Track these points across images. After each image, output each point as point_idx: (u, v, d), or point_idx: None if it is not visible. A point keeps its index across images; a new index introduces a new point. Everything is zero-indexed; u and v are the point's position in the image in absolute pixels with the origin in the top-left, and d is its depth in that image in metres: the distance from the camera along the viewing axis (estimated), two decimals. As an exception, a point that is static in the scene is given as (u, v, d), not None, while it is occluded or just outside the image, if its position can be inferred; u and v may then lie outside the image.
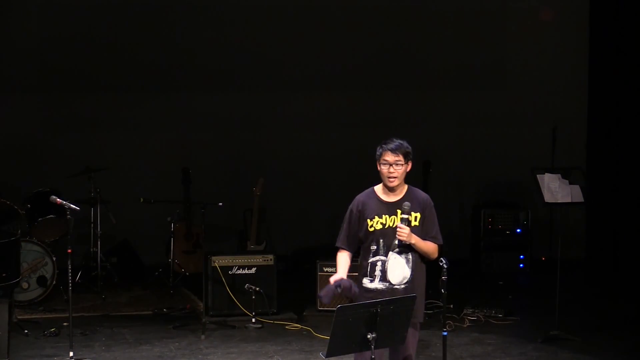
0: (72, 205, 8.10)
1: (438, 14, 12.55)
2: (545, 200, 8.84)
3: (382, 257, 5.99)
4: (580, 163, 10.87)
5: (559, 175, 8.88)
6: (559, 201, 8.88)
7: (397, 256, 5.98)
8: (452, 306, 9.36)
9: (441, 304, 6.08)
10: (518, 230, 11.98)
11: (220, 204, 9.85)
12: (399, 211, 5.99)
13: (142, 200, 10.47)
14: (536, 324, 9.25)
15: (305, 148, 12.32)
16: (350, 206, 6.14)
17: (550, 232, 11.87)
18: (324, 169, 12.21)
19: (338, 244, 6.17)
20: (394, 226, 5.97)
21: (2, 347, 7.79)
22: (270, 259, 9.78)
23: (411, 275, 6.00)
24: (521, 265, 11.98)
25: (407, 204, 5.97)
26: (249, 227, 10.76)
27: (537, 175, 8.86)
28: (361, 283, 6.03)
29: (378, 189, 6.12)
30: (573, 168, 9.25)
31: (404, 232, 5.92)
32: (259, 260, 9.76)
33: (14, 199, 9.88)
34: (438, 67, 12.59)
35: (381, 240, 6.00)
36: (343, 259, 6.13)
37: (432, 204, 6.14)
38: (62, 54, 11.95)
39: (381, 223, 6.01)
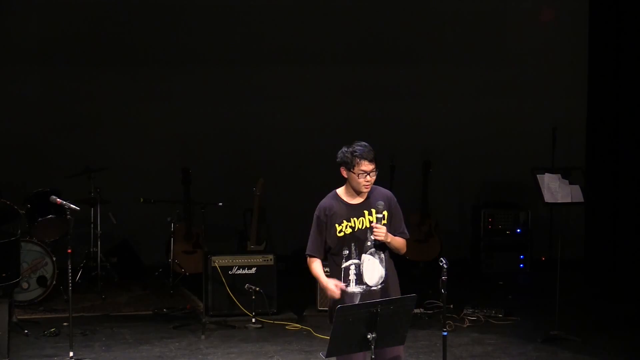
0: (72, 205, 8.10)
1: (438, 12, 12.55)
2: (545, 200, 8.84)
3: (356, 261, 5.93)
4: (580, 163, 10.86)
5: (559, 175, 8.88)
6: (559, 201, 8.88)
7: (371, 257, 5.93)
8: (452, 306, 9.36)
9: (441, 304, 6.07)
10: (518, 230, 11.98)
11: (220, 204, 9.85)
12: (373, 210, 5.93)
13: (142, 200, 10.47)
14: (536, 324, 9.25)
15: (305, 148, 12.31)
16: (317, 213, 6.03)
17: (550, 232, 11.88)
18: (324, 168, 12.14)
19: (308, 252, 6.09)
20: (364, 228, 5.93)
21: (2, 347, 7.80)
22: (270, 259, 9.78)
23: (385, 274, 5.97)
24: (521, 265, 11.97)
25: (380, 202, 5.91)
26: (249, 227, 10.77)
27: (537, 175, 8.86)
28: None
29: (341, 192, 6.05)
30: (573, 168, 9.25)
31: (381, 232, 5.86)
32: (259, 260, 9.76)
33: (14, 199, 9.88)
34: (438, 65, 12.59)
35: (353, 244, 5.94)
36: (319, 267, 6.07)
37: (396, 199, 6.07)
38: (61, 53, 11.95)
39: (350, 227, 5.94)
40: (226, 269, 9.63)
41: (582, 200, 8.96)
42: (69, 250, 8.05)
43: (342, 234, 5.94)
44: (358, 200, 5.99)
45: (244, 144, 12.31)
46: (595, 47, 11.23)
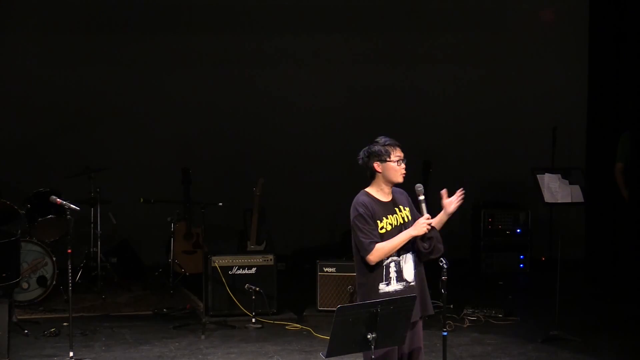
0: (72, 205, 8.10)
1: (438, 13, 12.54)
2: (545, 200, 8.84)
3: (395, 257, 5.90)
4: (580, 163, 10.87)
5: (559, 175, 8.88)
6: (559, 201, 8.88)
7: (408, 254, 5.94)
8: (452, 306, 9.37)
9: (441, 304, 6.07)
10: (518, 230, 11.98)
11: (220, 204, 9.85)
12: (401, 207, 5.99)
13: (142, 200, 10.47)
14: (536, 324, 9.25)
15: (306, 148, 12.32)
16: (360, 210, 5.87)
17: (550, 232, 11.87)
18: (325, 168, 12.21)
19: (372, 241, 5.81)
20: (398, 225, 5.93)
21: (2, 347, 7.80)
22: (270, 259, 9.78)
23: (418, 270, 5.99)
24: (521, 265, 11.98)
25: (419, 185, 5.98)
26: (249, 227, 10.77)
27: (537, 175, 8.86)
28: (377, 290, 5.87)
29: (372, 190, 6.01)
30: (573, 168, 9.24)
31: (430, 221, 5.88)
32: (259, 260, 9.76)
33: (14, 199, 9.88)
34: (437, 66, 12.59)
35: None
36: (387, 240, 5.89)
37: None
38: (61, 53, 11.95)
39: (389, 223, 5.94)
40: (226, 269, 9.63)
41: (582, 200, 8.96)
42: (69, 250, 8.05)
43: (383, 230, 5.90)
44: (387, 198, 6.01)
45: (244, 144, 12.31)
46: (595, 47, 11.24)
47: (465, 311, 9.57)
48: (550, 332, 8.77)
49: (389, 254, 5.85)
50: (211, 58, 12.28)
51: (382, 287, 5.89)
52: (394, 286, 5.90)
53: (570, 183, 8.88)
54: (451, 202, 6.01)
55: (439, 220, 6.00)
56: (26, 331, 8.89)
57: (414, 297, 5.73)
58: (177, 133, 12.23)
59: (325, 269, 9.64)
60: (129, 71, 12.12)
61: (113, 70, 12.08)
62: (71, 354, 8.01)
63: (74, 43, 11.96)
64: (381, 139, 6.03)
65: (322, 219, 12.22)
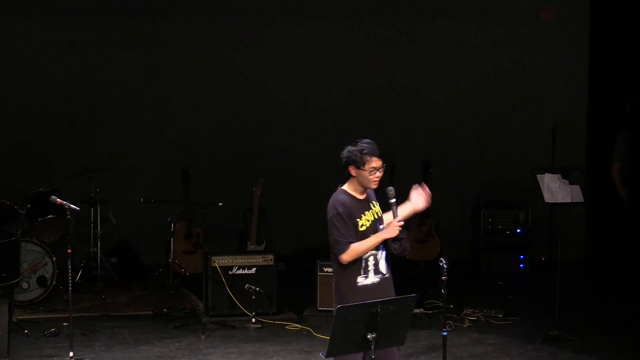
0: (72, 205, 8.10)
1: (438, 11, 12.53)
2: (545, 200, 8.84)
3: (374, 252, 5.97)
4: (580, 163, 10.86)
5: (559, 175, 8.88)
6: (559, 201, 8.88)
7: (383, 248, 6.03)
8: (452, 306, 9.36)
9: (441, 304, 6.08)
10: (518, 230, 11.99)
11: (220, 204, 9.85)
12: (374, 202, 6.05)
13: (142, 200, 10.47)
14: (536, 324, 9.25)
15: (305, 148, 12.31)
16: (339, 210, 5.96)
17: (550, 232, 11.88)
18: (325, 168, 12.17)
19: (347, 240, 5.88)
20: (373, 220, 6.00)
21: (2, 347, 7.80)
22: (270, 259, 9.78)
23: (389, 263, 6.08)
24: (521, 265, 11.98)
25: (391, 188, 6.01)
26: (249, 227, 10.77)
27: (537, 175, 8.86)
28: (355, 283, 5.94)
29: (348, 188, 6.07)
30: (573, 168, 9.24)
31: (401, 223, 5.95)
32: (259, 260, 9.76)
33: (14, 199, 9.88)
34: (437, 65, 12.59)
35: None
36: (362, 241, 5.96)
37: None
38: (61, 53, 11.95)
39: (367, 220, 5.99)
40: (226, 269, 9.63)
41: (582, 200, 8.96)
42: (69, 250, 8.06)
43: (363, 227, 5.97)
44: (362, 195, 6.06)
45: (244, 144, 12.31)
46: (596, 47, 11.23)
47: (465, 311, 9.57)
48: (550, 332, 8.78)
49: (361, 255, 5.93)
50: (211, 58, 12.27)
51: (361, 280, 5.96)
52: (372, 279, 5.97)
53: (570, 183, 8.88)
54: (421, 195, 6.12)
55: (405, 212, 6.10)
56: (26, 331, 8.89)
57: (414, 296, 5.73)
58: (177, 133, 12.22)
59: (325, 269, 9.64)
60: (129, 71, 12.11)
61: (113, 70, 12.07)
62: (71, 354, 8.01)
63: (74, 43, 11.95)
64: (362, 144, 6.02)
65: (322, 219, 12.09)
